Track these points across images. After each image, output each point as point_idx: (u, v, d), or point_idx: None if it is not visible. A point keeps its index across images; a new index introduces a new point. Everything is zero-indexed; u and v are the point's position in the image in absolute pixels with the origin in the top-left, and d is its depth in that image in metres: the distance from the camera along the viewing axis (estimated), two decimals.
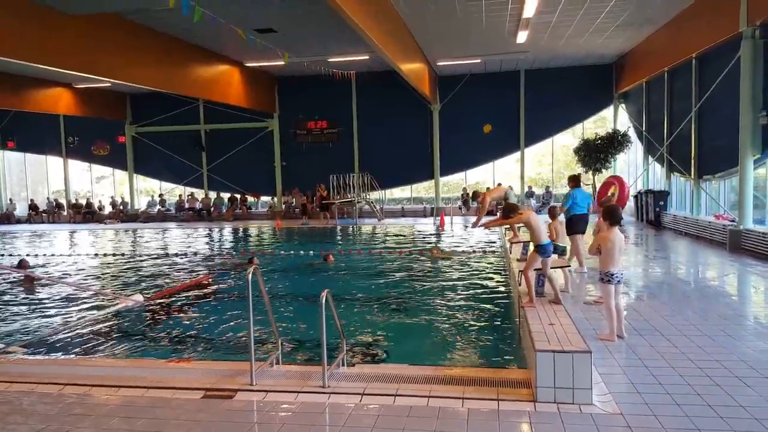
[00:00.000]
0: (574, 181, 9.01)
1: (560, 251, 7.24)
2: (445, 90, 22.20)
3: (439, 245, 13.46)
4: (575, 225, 8.76)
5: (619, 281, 5.39)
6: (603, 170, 19.76)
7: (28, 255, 13.78)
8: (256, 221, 22.72)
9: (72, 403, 4.18)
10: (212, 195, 24.93)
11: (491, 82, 21.74)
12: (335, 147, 23.37)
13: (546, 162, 23.59)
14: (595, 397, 3.92)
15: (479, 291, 8.59)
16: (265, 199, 25.36)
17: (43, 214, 25.86)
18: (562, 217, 8.57)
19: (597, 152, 19.14)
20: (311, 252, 13.21)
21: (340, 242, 16.08)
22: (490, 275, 9.80)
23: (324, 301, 4.29)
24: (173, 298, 8.62)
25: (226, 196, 24.91)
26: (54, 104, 21.47)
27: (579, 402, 3.86)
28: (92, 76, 13.34)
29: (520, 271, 6.46)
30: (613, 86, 20.91)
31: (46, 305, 8.62)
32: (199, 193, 25.32)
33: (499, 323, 6.78)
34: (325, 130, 23.51)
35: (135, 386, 4.47)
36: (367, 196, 22.03)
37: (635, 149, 20.02)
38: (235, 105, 20.63)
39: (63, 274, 11.35)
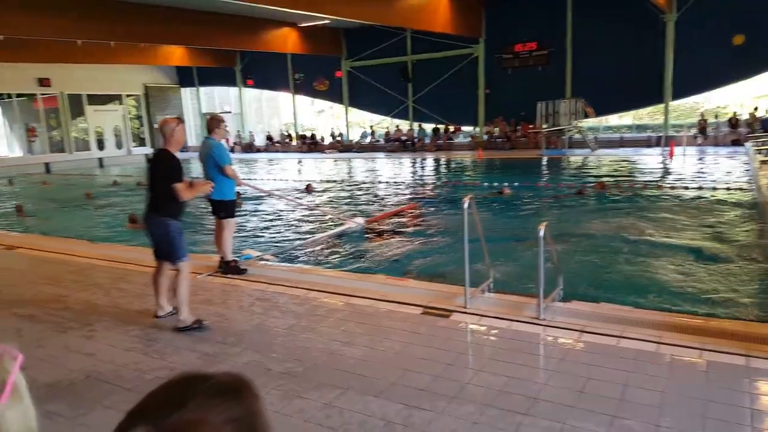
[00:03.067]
0: None
1: None
2: None
3: (602, 181, 11.85)
4: None
5: None
6: None
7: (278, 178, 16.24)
8: (458, 152, 22.90)
9: (316, 306, 4.90)
10: (416, 127, 25.79)
11: None
12: (544, 71, 21.68)
13: None
14: None
15: (719, 232, 7.40)
16: (466, 129, 25.26)
17: (277, 144, 30.06)
18: None
19: None
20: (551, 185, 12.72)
21: (548, 175, 15.32)
22: (734, 216, 8.31)
23: (542, 234, 4.13)
24: (389, 222, 9.35)
25: (428, 127, 25.50)
26: (283, 44, 24.17)
27: None
28: (319, 15, 14.52)
29: None
30: None
31: (285, 222, 10.17)
32: (404, 125, 26.41)
33: (741, 269, 5.76)
34: (534, 52, 21.80)
35: (362, 296, 5.02)
36: (579, 124, 20.22)
37: None
38: (440, 32, 20.44)
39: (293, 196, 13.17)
